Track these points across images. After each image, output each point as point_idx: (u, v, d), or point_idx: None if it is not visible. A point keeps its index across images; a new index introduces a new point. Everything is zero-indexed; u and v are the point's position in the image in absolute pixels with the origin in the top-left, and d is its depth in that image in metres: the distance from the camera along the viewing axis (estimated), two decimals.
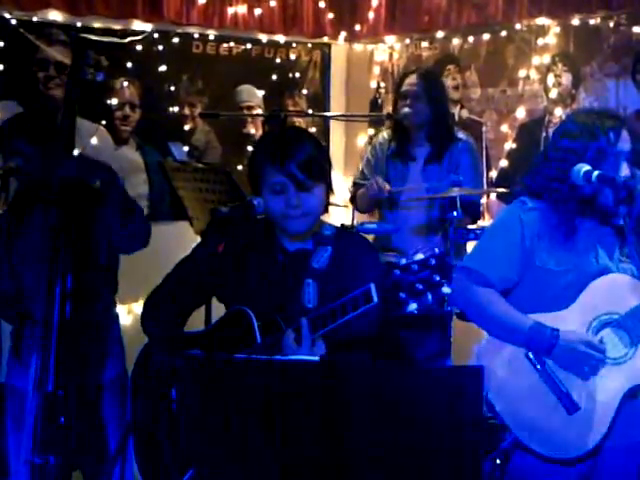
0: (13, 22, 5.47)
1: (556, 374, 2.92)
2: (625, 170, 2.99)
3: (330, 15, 6.41)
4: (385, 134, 4.99)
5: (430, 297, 2.36)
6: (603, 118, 3.03)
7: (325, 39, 6.55)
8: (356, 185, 4.94)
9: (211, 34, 6.15)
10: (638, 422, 2.97)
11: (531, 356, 2.93)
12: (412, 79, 4.80)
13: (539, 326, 2.91)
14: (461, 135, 4.86)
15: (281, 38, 6.38)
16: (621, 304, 2.95)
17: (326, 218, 2.96)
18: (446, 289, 2.37)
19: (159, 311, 3.03)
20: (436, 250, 2.40)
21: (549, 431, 2.90)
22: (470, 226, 4.64)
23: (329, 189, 2.88)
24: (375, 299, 2.53)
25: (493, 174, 5.62)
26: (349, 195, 5.04)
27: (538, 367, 2.92)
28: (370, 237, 4.76)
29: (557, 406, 2.90)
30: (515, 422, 2.93)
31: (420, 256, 2.38)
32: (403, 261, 2.38)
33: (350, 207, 5.01)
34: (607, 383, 2.92)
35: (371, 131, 6.26)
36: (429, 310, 3.83)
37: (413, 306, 2.35)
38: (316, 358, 2.56)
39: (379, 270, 2.78)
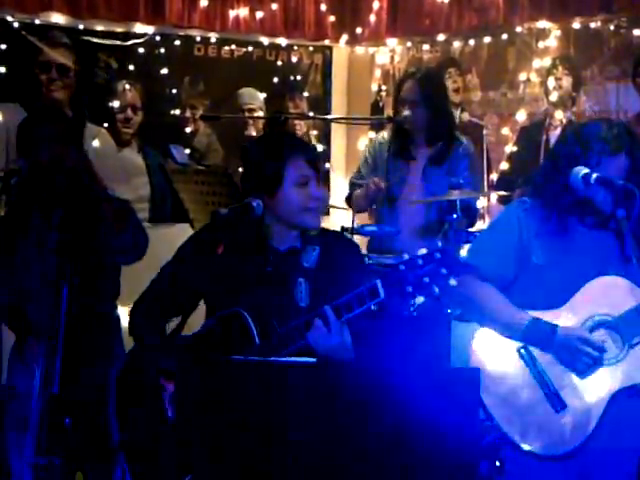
0: (15, 25, 5.50)
1: (546, 372, 2.93)
2: None
3: (332, 18, 6.42)
4: (385, 134, 4.99)
5: (437, 289, 2.37)
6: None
7: (327, 42, 6.57)
8: (353, 185, 4.94)
9: (213, 37, 6.17)
10: (633, 424, 2.98)
11: (523, 352, 2.94)
12: (409, 85, 4.77)
13: (537, 322, 2.93)
14: (461, 138, 4.86)
15: (283, 41, 6.40)
16: (616, 306, 2.95)
17: (327, 220, 2.98)
18: (453, 282, 2.37)
19: (149, 317, 3.02)
20: (439, 244, 2.41)
21: (535, 427, 2.91)
22: (470, 229, 4.65)
23: None
24: (382, 295, 2.56)
25: (494, 177, 5.62)
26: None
27: (529, 364, 2.93)
28: (367, 239, 4.80)
29: (544, 403, 2.91)
30: (502, 417, 2.93)
31: (423, 251, 2.39)
32: (406, 256, 2.39)
33: (350, 210, 5.01)
34: (597, 384, 2.92)
35: (372, 134, 6.24)
36: (429, 311, 3.85)
37: (420, 299, 2.37)
38: (313, 360, 2.56)
39: (365, 268, 2.81)
